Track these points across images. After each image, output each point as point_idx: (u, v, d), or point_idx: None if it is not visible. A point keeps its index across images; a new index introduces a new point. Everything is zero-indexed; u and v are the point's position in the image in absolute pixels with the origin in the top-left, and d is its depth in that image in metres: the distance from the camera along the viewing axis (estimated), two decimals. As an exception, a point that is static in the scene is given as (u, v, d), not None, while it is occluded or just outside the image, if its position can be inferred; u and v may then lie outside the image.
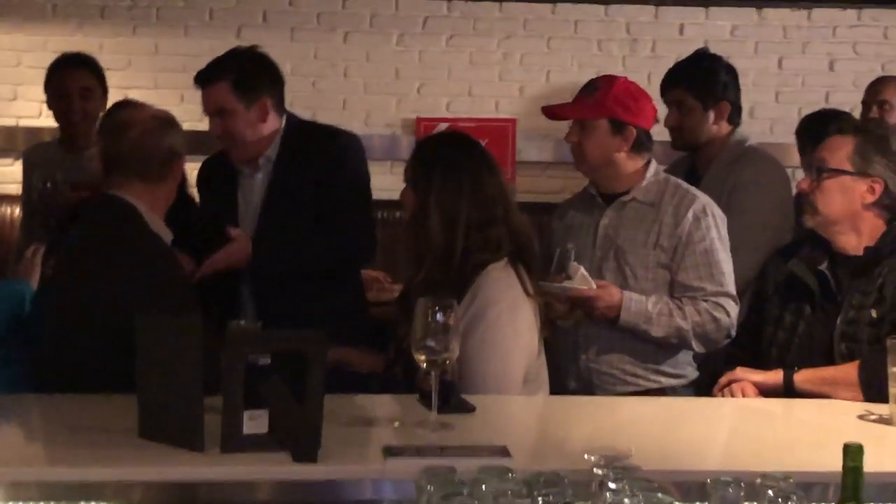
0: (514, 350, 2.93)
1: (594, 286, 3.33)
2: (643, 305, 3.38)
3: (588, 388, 3.47)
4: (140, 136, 2.99)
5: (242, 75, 3.69)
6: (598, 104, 3.47)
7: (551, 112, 3.61)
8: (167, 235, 3.03)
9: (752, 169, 4.06)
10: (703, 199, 3.50)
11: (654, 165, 3.56)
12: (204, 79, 3.73)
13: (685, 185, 3.56)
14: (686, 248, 3.41)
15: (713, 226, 3.45)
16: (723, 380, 3.12)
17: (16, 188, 6.06)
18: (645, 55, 6.84)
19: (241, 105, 3.68)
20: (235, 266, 3.61)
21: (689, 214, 3.43)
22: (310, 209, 3.67)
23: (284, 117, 3.81)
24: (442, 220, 2.96)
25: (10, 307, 3.11)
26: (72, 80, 4.52)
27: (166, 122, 3.06)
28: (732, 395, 3.06)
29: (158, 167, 3.01)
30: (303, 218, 3.67)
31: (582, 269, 3.33)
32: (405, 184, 3.13)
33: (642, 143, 3.50)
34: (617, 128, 3.46)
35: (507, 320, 2.90)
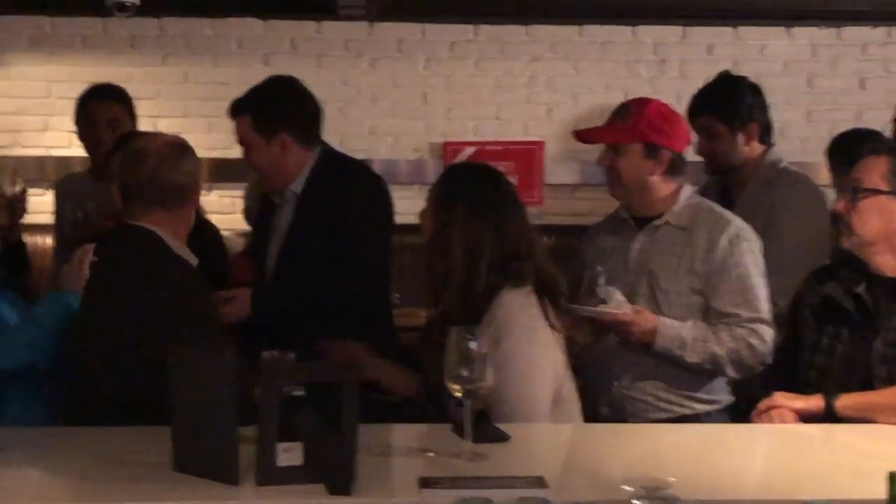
0: (537, 372, 2.90)
1: (630, 311, 3.30)
2: (678, 331, 3.34)
3: (621, 414, 3.43)
4: (157, 164, 3.00)
5: (261, 111, 3.70)
6: (632, 128, 3.43)
7: (583, 136, 3.57)
8: (192, 259, 3.04)
9: (787, 190, 4.01)
10: (736, 223, 3.45)
11: (687, 188, 3.52)
12: (230, 111, 3.76)
13: (719, 208, 3.53)
14: (720, 275, 3.37)
15: (747, 251, 3.40)
16: (761, 405, 3.07)
17: (47, 218, 6.08)
18: (673, 76, 6.82)
19: (261, 140, 3.69)
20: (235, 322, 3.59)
21: (723, 240, 3.39)
22: (326, 245, 3.64)
23: (318, 149, 3.79)
24: (464, 255, 2.94)
25: (60, 321, 3.10)
26: (100, 111, 4.53)
27: (180, 148, 3.07)
28: (771, 422, 3.01)
29: (177, 194, 3.02)
30: (319, 254, 3.64)
31: (618, 294, 3.30)
32: (426, 205, 3.12)
33: (676, 167, 3.47)
34: (651, 151, 3.42)
35: (527, 342, 2.87)
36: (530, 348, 2.88)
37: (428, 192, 3.14)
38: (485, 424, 2.70)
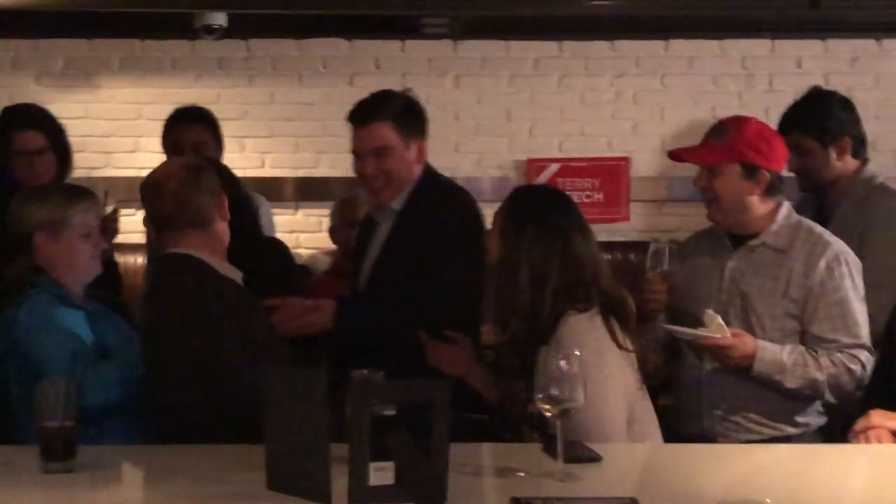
0: (609, 392, 2.84)
1: (729, 334, 3.23)
2: (778, 356, 3.26)
3: (711, 435, 3.36)
4: (178, 189, 2.99)
5: (403, 114, 3.68)
6: (730, 148, 3.34)
7: (678, 156, 3.48)
8: (236, 275, 3.03)
9: (883, 207, 3.91)
10: (836, 246, 3.35)
11: (785, 208, 3.43)
12: (364, 116, 3.69)
13: (819, 229, 3.42)
14: (819, 300, 3.28)
15: (847, 275, 3.31)
16: (858, 426, 2.99)
17: (138, 237, 6.19)
18: (762, 90, 6.74)
19: (401, 143, 3.66)
20: (312, 333, 3.52)
21: (822, 264, 3.30)
22: (420, 264, 3.61)
23: (422, 169, 3.77)
24: (531, 279, 2.91)
25: None
26: (185, 134, 4.57)
27: (197, 168, 3.07)
28: (868, 442, 2.93)
29: (205, 212, 3.02)
30: (411, 272, 3.61)
31: (718, 318, 3.22)
32: (492, 227, 3.08)
33: (775, 186, 3.38)
34: (749, 172, 3.34)
35: (594, 364, 2.78)
36: (599, 370, 2.82)
37: (494, 214, 3.10)
38: (576, 444, 2.68)
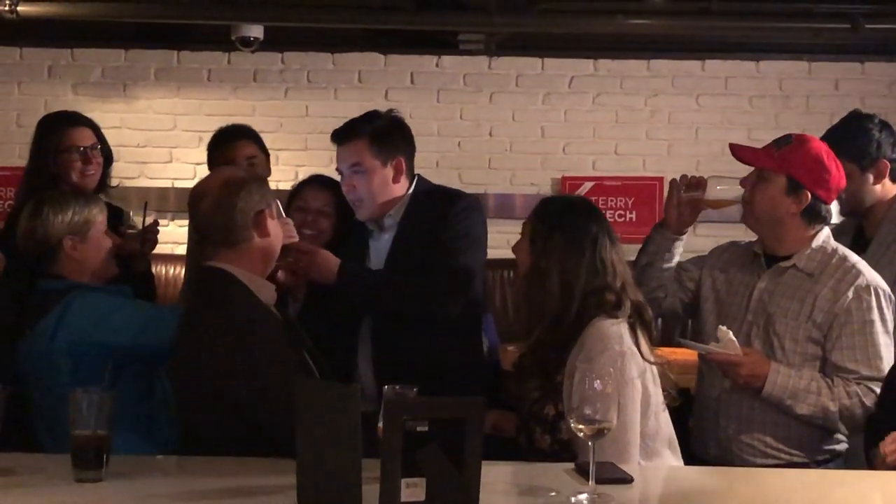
0: (627, 400, 2.80)
1: (740, 352, 3.21)
2: (790, 380, 3.21)
3: (727, 456, 3.31)
4: (212, 207, 2.95)
5: (379, 133, 3.71)
6: (782, 159, 3.29)
7: (736, 151, 3.43)
8: (269, 293, 2.99)
9: None
10: (869, 275, 3.28)
11: (824, 234, 3.37)
12: (342, 136, 3.75)
13: (853, 259, 3.34)
14: (844, 328, 3.22)
15: (875, 306, 3.23)
16: (887, 448, 2.93)
17: (171, 248, 6.22)
18: (799, 111, 6.71)
19: (377, 162, 3.69)
20: (316, 275, 3.60)
21: (850, 291, 3.23)
22: (427, 257, 3.67)
23: (414, 181, 3.81)
24: (560, 285, 2.94)
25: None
26: (239, 150, 4.56)
27: (236, 184, 2.98)
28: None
29: (239, 232, 2.94)
30: (419, 265, 3.66)
31: (730, 334, 3.20)
32: (521, 238, 3.10)
33: (816, 213, 3.32)
34: (792, 188, 3.29)
35: (616, 369, 2.77)
36: (620, 374, 2.80)
37: (523, 224, 3.12)
38: (607, 465, 2.66)
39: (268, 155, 4.68)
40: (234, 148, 4.54)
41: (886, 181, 3.91)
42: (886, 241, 3.83)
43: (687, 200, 3.52)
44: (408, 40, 6.96)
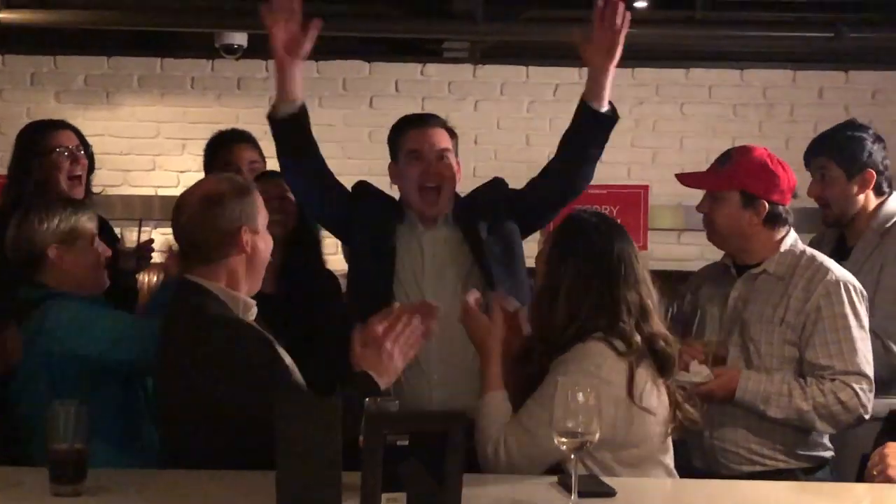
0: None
1: (710, 376, 3.19)
2: (760, 385, 3.22)
3: (713, 465, 3.31)
4: (189, 222, 2.86)
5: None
6: (729, 176, 3.33)
7: (684, 180, 3.51)
8: (247, 308, 2.88)
9: None
10: (838, 272, 3.30)
11: (790, 238, 3.39)
12: (431, 119, 3.71)
13: (821, 258, 3.37)
14: (815, 325, 3.23)
15: (846, 301, 3.24)
16: (874, 460, 2.92)
17: (155, 257, 6.18)
18: (782, 120, 6.71)
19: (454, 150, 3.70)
20: None
21: (821, 288, 3.25)
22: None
23: None
24: (568, 314, 2.81)
25: None
26: (242, 154, 4.45)
27: (214, 200, 2.85)
28: (886, 475, 2.85)
29: (214, 249, 2.84)
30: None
31: (693, 363, 3.20)
32: (543, 248, 3.02)
33: (776, 217, 3.35)
34: (748, 200, 3.32)
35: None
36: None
37: (544, 238, 3.06)
38: (590, 478, 2.64)
39: (265, 161, 4.57)
40: (239, 151, 4.45)
41: (870, 193, 3.91)
42: (867, 251, 3.83)
43: None
44: (392, 48, 6.96)
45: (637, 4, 6.12)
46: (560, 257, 2.88)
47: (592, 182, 6.81)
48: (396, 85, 6.96)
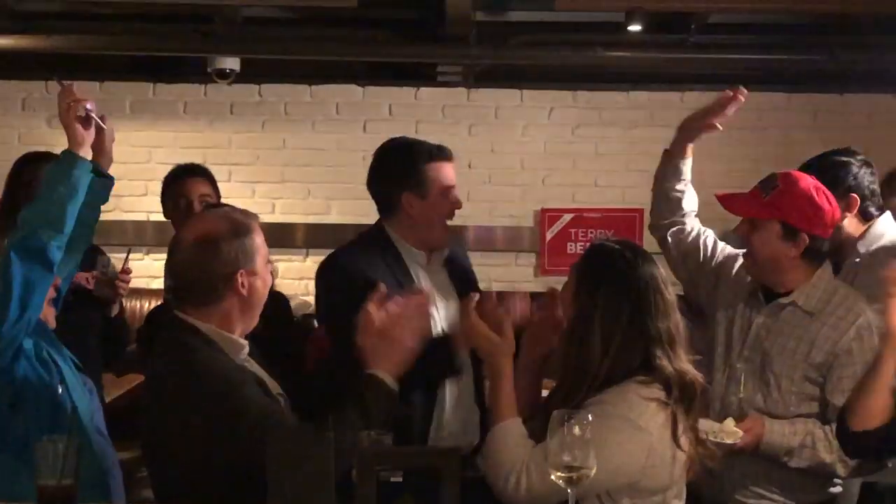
0: (602, 465, 2.43)
1: (741, 435, 3.06)
2: (783, 439, 3.11)
3: (718, 491, 3.24)
4: (182, 264, 2.79)
5: None
6: (772, 205, 3.15)
7: (724, 202, 3.31)
8: (237, 349, 2.80)
9: (863, 280, 3.76)
10: (871, 314, 3.16)
11: (824, 271, 3.25)
12: (449, 153, 3.61)
13: (855, 297, 3.22)
14: (845, 369, 3.11)
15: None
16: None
17: (146, 282, 6.15)
18: (777, 142, 6.70)
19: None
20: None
21: (852, 331, 3.11)
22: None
23: None
24: (602, 343, 2.69)
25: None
26: (193, 188, 4.42)
27: (209, 242, 2.78)
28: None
29: (207, 292, 2.77)
30: None
31: (727, 422, 3.13)
32: (568, 281, 2.93)
33: (816, 252, 3.21)
34: (789, 233, 3.16)
35: (612, 430, 2.56)
36: (612, 436, 2.65)
37: (571, 269, 2.96)
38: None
39: (219, 194, 4.54)
40: (190, 184, 4.41)
41: (853, 218, 3.83)
42: (850, 276, 3.75)
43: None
44: (386, 72, 6.94)
45: (631, 28, 6.11)
46: (590, 287, 2.79)
47: (587, 205, 6.86)
48: (390, 109, 6.94)
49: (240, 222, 2.85)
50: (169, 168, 6.20)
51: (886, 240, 3.64)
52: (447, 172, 3.55)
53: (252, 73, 6.65)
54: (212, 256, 2.77)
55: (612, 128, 6.91)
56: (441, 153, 3.57)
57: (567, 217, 6.83)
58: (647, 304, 2.72)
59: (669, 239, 3.55)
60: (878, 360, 2.77)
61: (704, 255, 3.49)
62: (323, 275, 3.53)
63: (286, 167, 6.83)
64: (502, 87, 6.93)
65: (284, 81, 6.89)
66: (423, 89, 6.94)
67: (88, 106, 3.12)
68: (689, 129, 3.59)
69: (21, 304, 2.91)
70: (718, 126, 3.52)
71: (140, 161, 6.78)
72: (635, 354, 2.70)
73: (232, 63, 6.46)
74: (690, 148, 3.60)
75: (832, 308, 3.17)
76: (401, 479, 2.23)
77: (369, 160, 6.17)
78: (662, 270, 2.81)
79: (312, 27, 6.44)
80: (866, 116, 6.75)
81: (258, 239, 2.83)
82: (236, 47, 6.40)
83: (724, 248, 3.49)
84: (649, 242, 6.80)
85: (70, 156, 3.07)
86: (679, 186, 3.58)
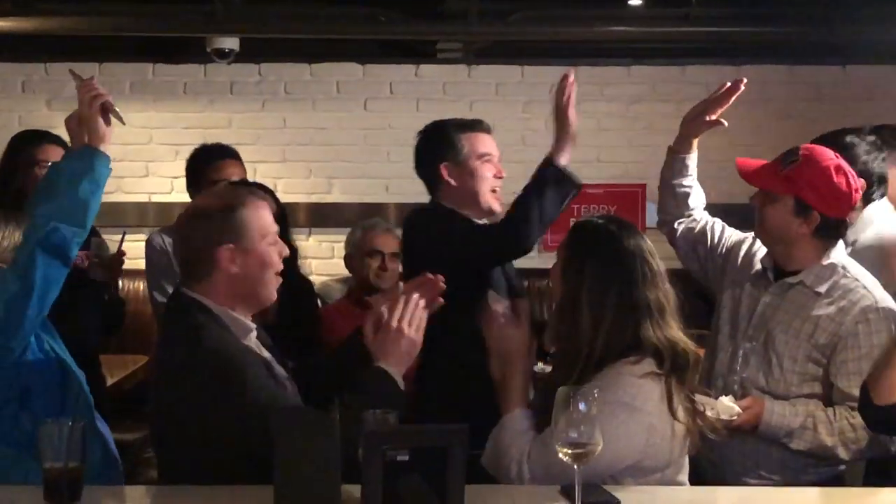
0: (607, 449, 2.44)
1: (739, 411, 3.07)
2: (784, 420, 3.09)
3: (720, 474, 3.22)
4: (177, 239, 2.85)
5: None
6: (788, 179, 3.12)
7: (741, 169, 3.28)
8: (243, 330, 2.78)
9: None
10: (878, 294, 3.12)
11: (836, 251, 3.20)
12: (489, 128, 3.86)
13: (864, 277, 3.17)
14: (849, 351, 3.07)
15: (886, 329, 3.04)
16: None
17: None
18: (778, 116, 6.67)
19: None
20: None
21: (858, 313, 3.08)
22: None
23: None
24: (592, 319, 2.71)
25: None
26: (228, 171, 4.39)
27: (198, 217, 2.79)
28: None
29: (196, 267, 2.76)
30: None
31: (722, 398, 3.11)
32: (554, 264, 2.93)
33: (829, 231, 3.17)
34: (801, 209, 3.13)
35: (612, 415, 2.55)
36: (615, 421, 2.64)
37: (557, 249, 2.96)
38: (593, 487, 2.59)
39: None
40: (225, 168, 4.39)
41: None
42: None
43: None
44: (386, 50, 6.91)
45: (632, 2, 6.08)
46: (575, 265, 2.79)
47: (589, 181, 6.81)
48: (391, 87, 6.91)
49: (231, 197, 2.84)
50: (170, 149, 6.24)
51: (872, 230, 3.58)
52: (482, 140, 3.78)
53: (251, 53, 6.62)
54: (198, 231, 2.76)
55: (613, 103, 6.88)
56: (475, 124, 3.82)
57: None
58: (633, 274, 2.73)
59: (678, 230, 3.55)
60: None
61: (713, 241, 3.48)
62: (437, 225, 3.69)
63: (287, 146, 6.81)
64: (503, 63, 6.91)
65: (284, 60, 6.86)
66: (423, 66, 6.91)
67: (109, 100, 3.13)
68: (692, 125, 3.58)
69: (40, 301, 2.91)
70: (723, 122, 3.48)
71: (141, 142, 6.76)
72: (626, 327, 2.71)
73: (231, 43, 6.44)
74: (695, 143, 3.59)
75: (838, 289, 3.14)
76: (407, 458, 2.22)
77: (370, 138, 6.22)
78: (649, 242, 2.82)
79: (311, 5, 6.41)
80: (868, 89, 6.72)
81: (251, 214, 2.78)
82: (235, 27, 6.37)
83: (732, 234, 3.48)
84: (652, 219, 6.86)
85: (93, 151, 3.06)
86: (686, 182, 3.58)
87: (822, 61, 6.77)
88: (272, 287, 2.82)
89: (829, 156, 3.17)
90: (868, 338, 3.07)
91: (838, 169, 3.14)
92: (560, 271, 2.83)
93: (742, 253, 3.41)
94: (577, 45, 6.78)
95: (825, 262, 3.18)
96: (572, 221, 3.26)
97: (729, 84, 3.47)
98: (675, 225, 3.58)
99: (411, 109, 6.82)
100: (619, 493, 2.59)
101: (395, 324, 2.79)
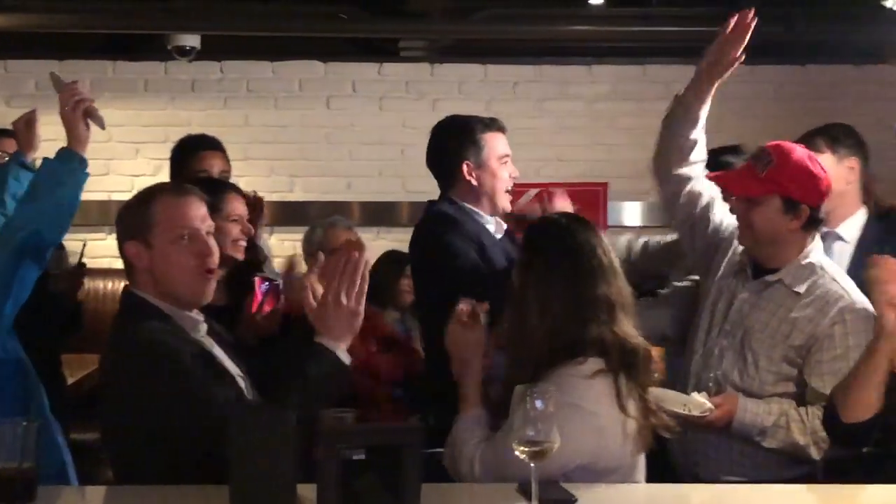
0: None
1: (711, 408, 3.07)
2: (757, 418, 3.10)
3: (691, 469, 3.24)
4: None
5: None
6: (771, 181, 3.12)
7: (718, 182, 3.32)
8: (189, 323, 2.73)
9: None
10: (854, 296, 3.11)
11: (814, 249, 3.21)
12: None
13: (841, 278, 3.18)
14: (825, 352, 3.07)
15: (863, 330, 3.00)
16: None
17: (108, 262, 6.10)
18: (739, 115, 6.70)
19: None
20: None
21: (835, 313, 3.08)
22: None
23: None
24: (540, 318, 2.71)
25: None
26: (213, 162, 4.25)
27: (126, 205, 2.76)
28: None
29: (123, 261, 2.72)
30: None
31: (694, 395, 3.13)
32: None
33: (814, 221, 3.18)
34: (790, 206, 3.13)
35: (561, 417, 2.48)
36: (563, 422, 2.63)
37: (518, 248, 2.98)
38: (551, 484, 2.60)
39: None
40: (211, 158, 4.20)
41: (854, 183, 3.81)
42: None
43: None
44: (349, 48, 6.90)
45: (593, 2, 6.10)
46: (526, 263, 2.81)
47: (551, 180, 6.84)
48: (353, 85, 6.90)
49: (147, 192, 2.76)
50: (130, 147, 6.19)
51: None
52: (501, 141, 3.85)
53: (213, 50, 6.60)
54: (117, 226, 2.73)
55: (575, 102, 6.90)
56: (495, 124, 3.86)
57: (532, 192, 6.80)
58: (581, 269, 2.74)
59: (681, 200, 3.44)
60: (871, 355, 2.72)
61: (711, 227, 3.43)
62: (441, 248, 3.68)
63: (249, 145, 6.78)
64: (466, 62, 6.91)
65: (246, 58, 6.84)
66: (386, 65, 6.91)
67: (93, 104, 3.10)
68: (714, 70, 3.44)
69: (14, 302, 2.89)
70: (741, 57, 3.39)
71: (100, 140, 6.59)
72: (575, 321, 2.71)
73: (192, 40, 6.40)
74: (711, 92, 3.46)
75: (815, 289, 3.14)
76: (363, 457, 2.22)
77: (333, 136, 6.20)
78: (604, 239, 2.81)
79: (273, 3, 6.39)
80: (829, 87, 6.77)
81: (161, 209, 2.71)
82: (197, 24, 6.34)
83: (730, 226, 3.39)
84: (613, 215, 6.87)
85: (73, 155, 3.02)
86: (693, 135, 3.45)
87: (782, 60, 6.81)
88: (197, 286, 2.74)
89: (796, 147, 3.20)
90: (844, 339, 3.08)
91: (811, 158, 3.18)
92: (516, 268, 2.85)
93: (731, 248, 3.38)
94: (539, 43, 6.79)
95: (804, 261, 3.18)
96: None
97: (736, 16, 3.37)
98: (681, 192, 3.43)
99: (374, 108, 6.83)
100: (576, 491, 2.60)
101: (331, 298, 2.68)
